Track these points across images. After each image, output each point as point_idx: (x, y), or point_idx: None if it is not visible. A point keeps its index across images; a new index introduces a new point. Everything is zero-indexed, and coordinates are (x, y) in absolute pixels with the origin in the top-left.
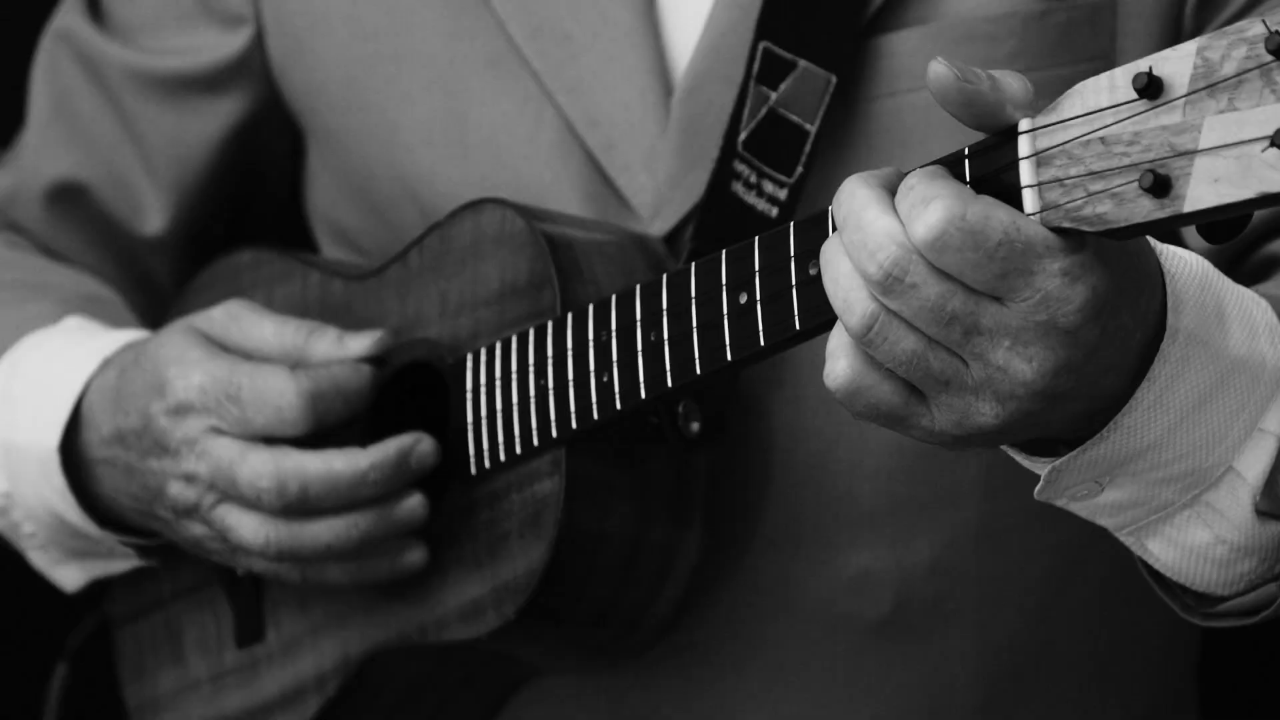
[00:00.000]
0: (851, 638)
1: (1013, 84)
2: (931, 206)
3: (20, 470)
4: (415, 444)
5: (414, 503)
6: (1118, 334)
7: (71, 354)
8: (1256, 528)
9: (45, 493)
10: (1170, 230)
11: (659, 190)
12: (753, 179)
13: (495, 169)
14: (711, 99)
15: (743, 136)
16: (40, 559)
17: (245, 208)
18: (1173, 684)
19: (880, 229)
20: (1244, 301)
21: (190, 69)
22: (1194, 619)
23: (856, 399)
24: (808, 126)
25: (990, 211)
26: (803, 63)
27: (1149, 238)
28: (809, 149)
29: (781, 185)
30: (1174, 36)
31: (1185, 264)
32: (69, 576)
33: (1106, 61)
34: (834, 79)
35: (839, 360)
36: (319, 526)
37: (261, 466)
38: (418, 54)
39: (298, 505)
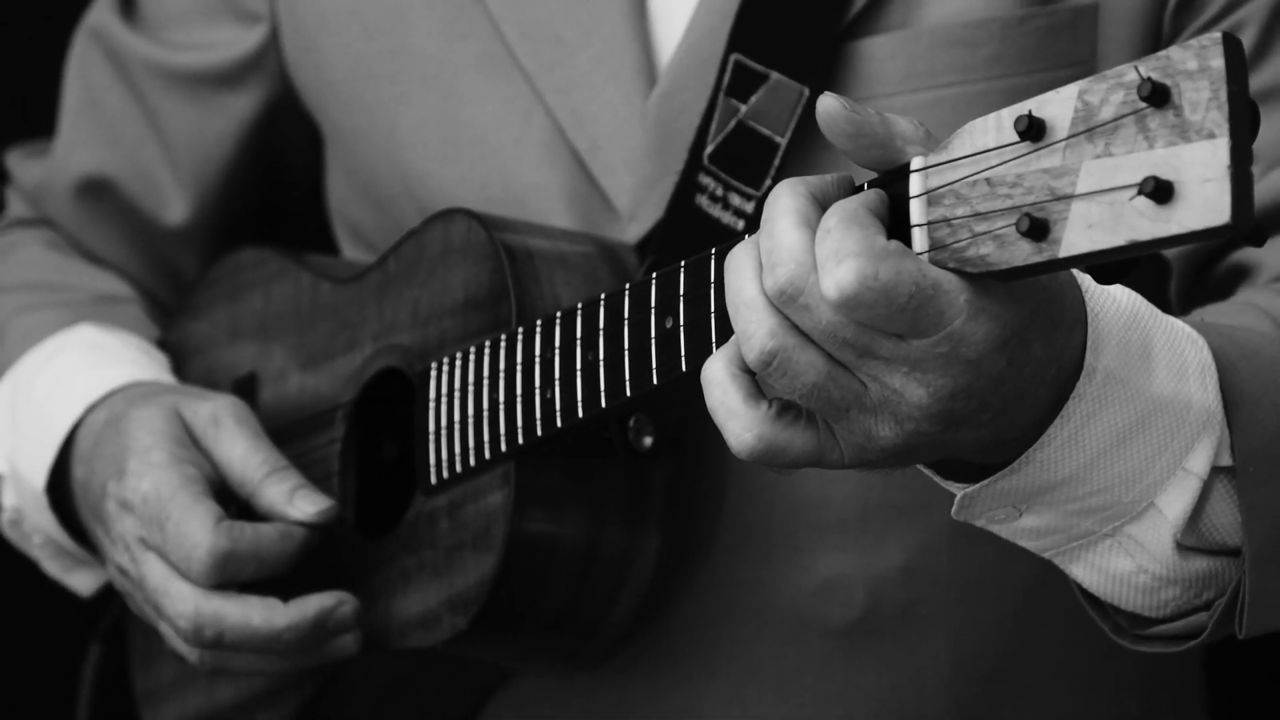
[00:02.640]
0: (821, 641)
1: (902, 122)
2: (844, 266)
3: (24, 494)
4: (335, 607)
5: (346, 642)
6: (1028, 365)
7: (71, 387)
8: (1178, 561)
9: (43, 522)
10: (1051, 274)
11: (636, 192)
12: (719, 192)
13: (485, 169)
14: (686, 103)
15: (709, 150)
16: (53, 567)
17: (268, 200)
18: (1170, 685)
19: (787, 243)
20: (1176, 340)
21: (208, 65)
22: (1125, 641)
23: (773, 461)
24: (778, 139)
25: (900, 265)
26: (775, 75)
27: (1076, 273)
28: (779, 162)
29: (749, 198)
30: (1154, 42)
31: (1113, 302)
32: (82, 582)
33: (1087, 68)
34: (806, 91)
35: (744, 433)
36: (248, 658)
37: (182, 605)
38: (415, 54)
39: (212, 646)
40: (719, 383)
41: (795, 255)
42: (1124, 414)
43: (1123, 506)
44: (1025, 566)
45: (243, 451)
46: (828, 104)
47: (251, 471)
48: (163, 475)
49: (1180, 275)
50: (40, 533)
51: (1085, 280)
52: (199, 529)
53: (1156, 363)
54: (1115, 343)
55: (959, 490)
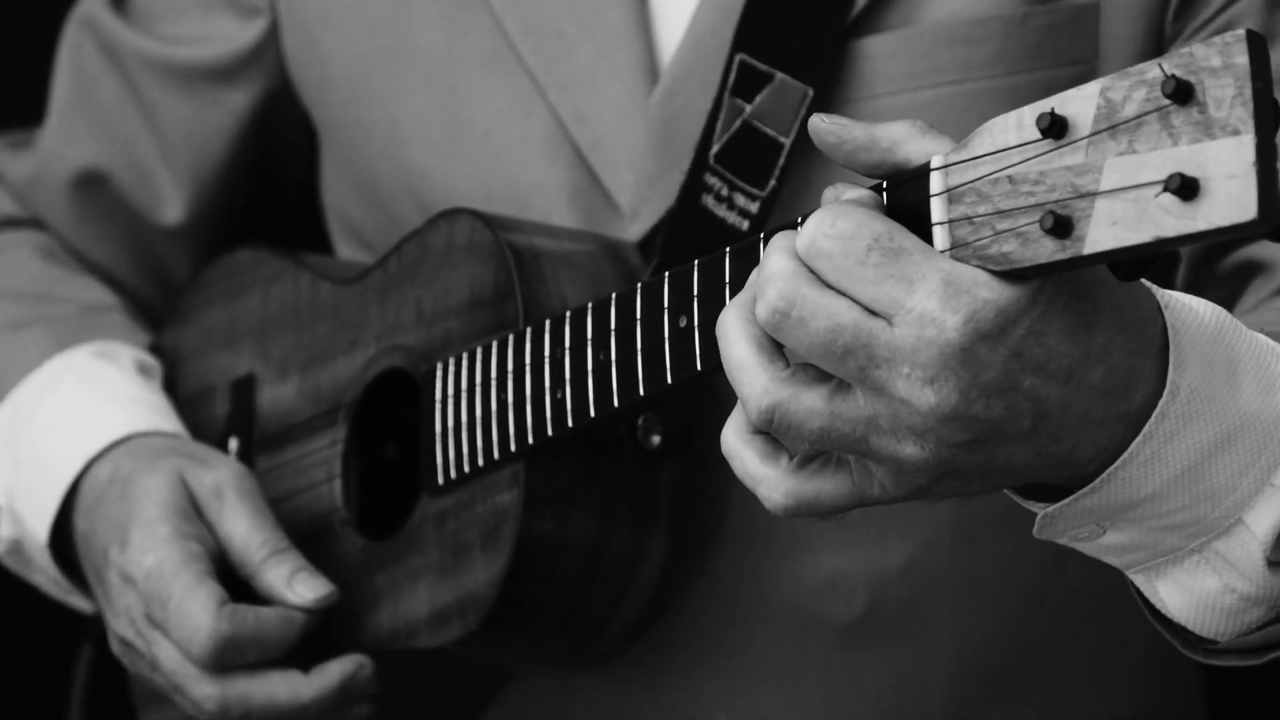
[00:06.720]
0: (823, 639)
1: (892, 128)
2: (809, 220)
3: (25, 537)
4: (356, 672)
5: (362, 710)
6: (1050, 363)
7: (70, 429)
8: (1268, 578)
9: (43, 565)
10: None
11: (638, 190)
12: (724, 192)
13: (487, 166)
14: (689, 100)
15: (715, 149)
16: (54, 591)
17: (263, 198)
18: (1172, 684)
19: (771, 265)
20: (1262, 355)
21: (205, 59)
22: (1196, 655)
23: (813, 511)
24: (782, 139)
25: (862, 219)
26: (780, 75)
27: (1156, 290)
28: (783, 161)
29: (753, 198)
30: (1157, 40)
31: (1196, 316)
32: (83, 602)
33: (1089, 66)
34: (811, 91)
35: (771, 494)
36: None
37: (206, 689)
38: (418, 50)
39: None
40: (735, 454)
41: (781, 274)
42: (1209, 430)
43: (1209, 523)
44: (1027, 565)
45: (245, 530)
46: (818, 127)
47: (253, 552)
48: (166, 551)
49: (1188, 268)
50: (42, 572)
51: (1167, 295)
52: (201, 612)
53: (1243, 378)
54: (1200, 358)
55: (1040, 510)
